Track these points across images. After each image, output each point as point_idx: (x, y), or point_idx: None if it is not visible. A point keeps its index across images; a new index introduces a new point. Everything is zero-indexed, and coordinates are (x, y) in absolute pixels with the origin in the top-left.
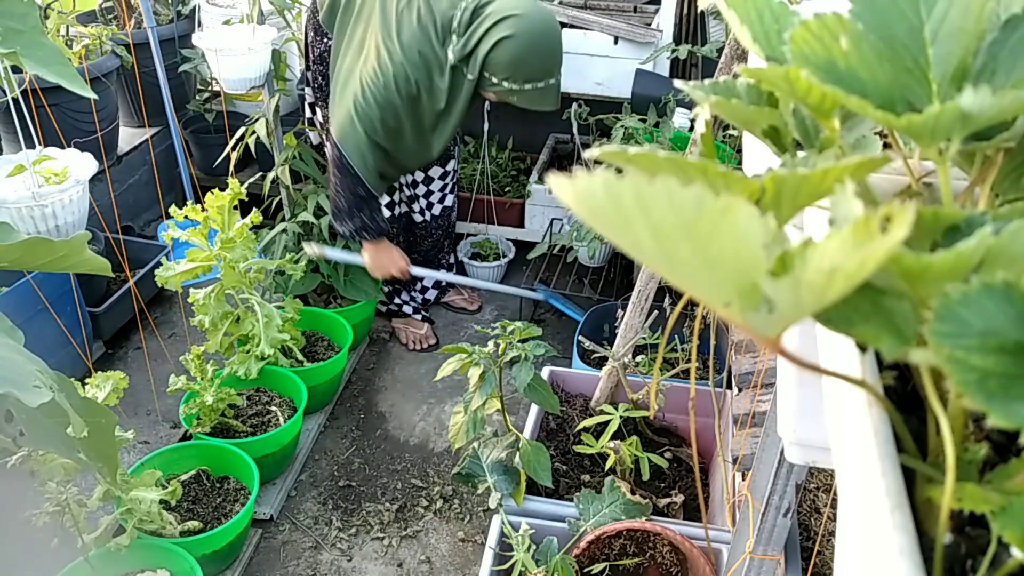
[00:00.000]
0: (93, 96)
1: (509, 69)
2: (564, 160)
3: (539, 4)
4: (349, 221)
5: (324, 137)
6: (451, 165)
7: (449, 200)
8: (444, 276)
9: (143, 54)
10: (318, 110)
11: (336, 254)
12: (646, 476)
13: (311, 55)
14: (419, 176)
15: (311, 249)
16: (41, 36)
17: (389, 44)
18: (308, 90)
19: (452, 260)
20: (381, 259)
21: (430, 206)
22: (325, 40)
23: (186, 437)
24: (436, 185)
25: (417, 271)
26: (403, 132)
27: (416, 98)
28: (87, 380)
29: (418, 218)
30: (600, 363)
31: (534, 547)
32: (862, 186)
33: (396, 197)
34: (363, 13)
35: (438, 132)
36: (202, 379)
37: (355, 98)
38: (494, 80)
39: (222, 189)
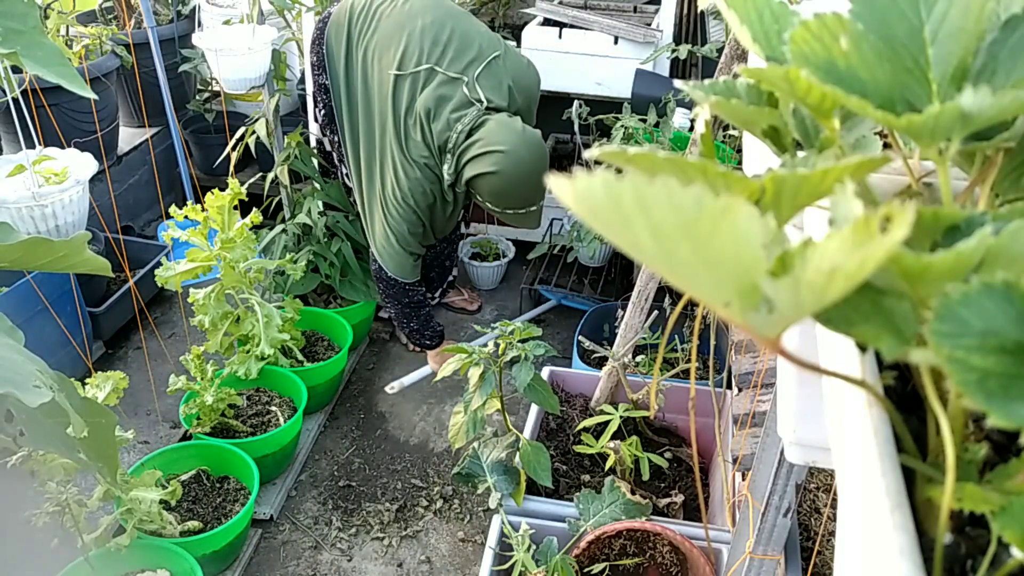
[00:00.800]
0: (93, 96)
1: (491, 198)
2: (564, 160)
3: (527, 136)
4: (406, 329)
5: (338, 159)
6: None
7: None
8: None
9: (143, 54)
10: (326, 130)
11: (412, 378)
12: (646, 476)
13: (315, 80)
14: None
15: (392, 389)
16: (41, 36)
17: (404, 161)
18: (315, 111)
19: (454, 260)
20: (441, 362)
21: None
22: (325, 74)
23: (186, 437)
24: None
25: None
26: (427, 232)
27: (432, 205)
28: (87, 380)
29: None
30: (600, 363)
31: (534, 547)
32: (862, 186)
33: None
34: (376, 108)
35: (450, 221)
36: (202, 379)
37: (385, 218)
38: (478, 197)
39: (222, 189)
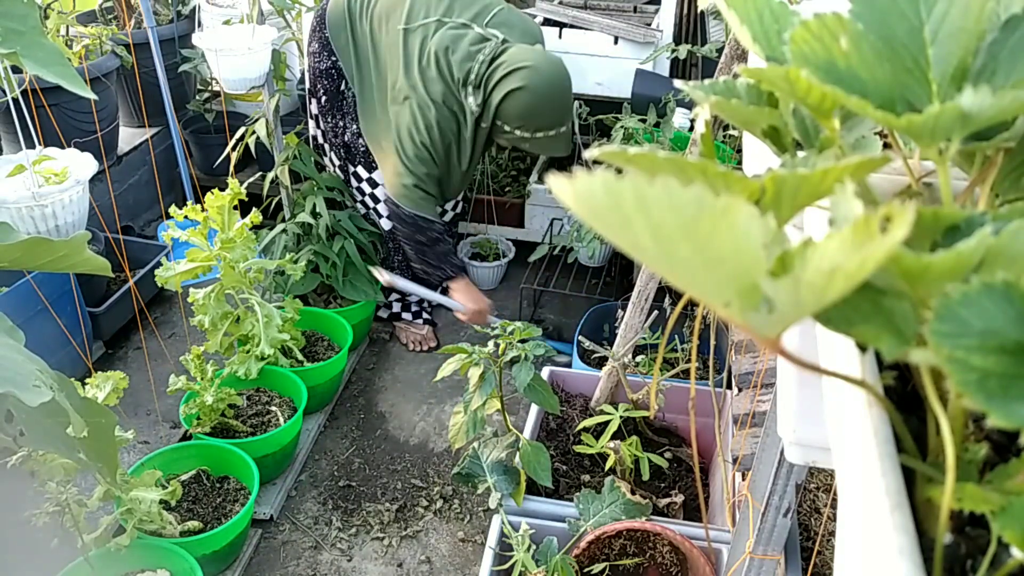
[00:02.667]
0: (93, 97)
1: (521, 119)
2: (564, 160)
3: (549, 55)
4: (422, 266)
5: (330, 148)
6: None
7: (459, 207)
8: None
9: (143, 54)
10: (322, 121)
11: (409, 286)
12: (646, 476)
13: (315, 68)
14: None
15: (382, 276)
16: (41, 37)
17: (420, 104)
18: (313, 102)
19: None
20: (468, 292)
21: (443, 212)
22: (332, 58)
23: (186, 437)
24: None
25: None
26: (442, 177)
27: (449, 147)
28: (87, 380)
29: None
30: (600, 363)
31: (534, 547)
32: (862, 186)
33: None
34: (386, 65)
35: (467, 171)
36: (202, 379)
37: (399, 154)
38: (506, 128)
39: (222, 189)
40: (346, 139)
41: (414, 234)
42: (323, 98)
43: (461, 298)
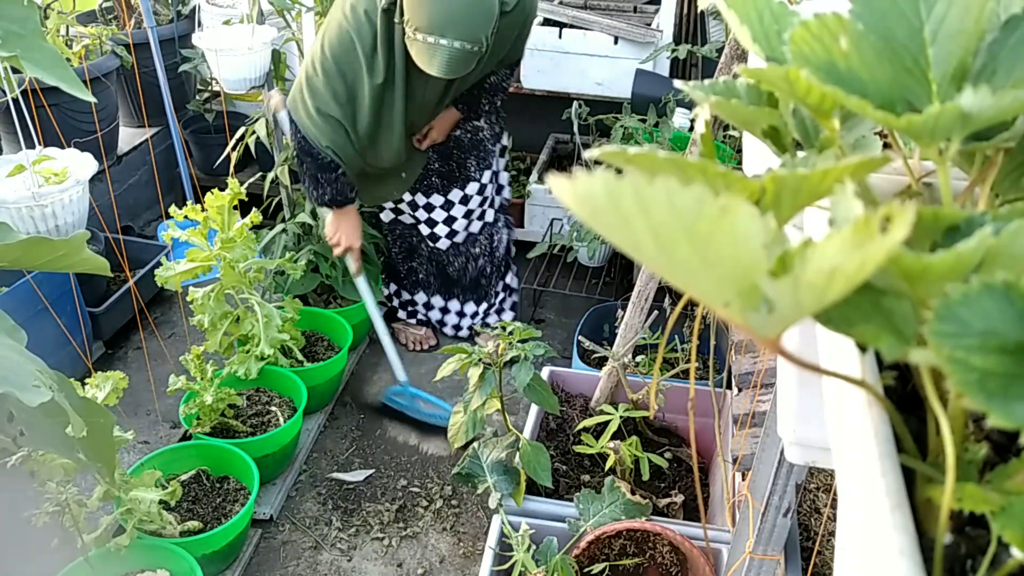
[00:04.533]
0: (93, 100)
1: (409, 9)
2: (564, 160)
3: None
4: (309, 187)
5: None
6: (471, 188)
7: (475, 227)
8: (385, 340)
9: (143, 54)
10: None
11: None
12: (646, 476)
13: None
14: (437, 200)
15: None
16: (41, 39)
17: (331, 18)
18: None
19: (499, 288)
20: (337, 223)
21: (452, 233)
22: None
23: (186, 437)
24: (458, 210)
25: (361, 283)
26: (350, 101)
27: (356, 60)
28: (87, 380)
29: (443, 244)
30: (600, 363)
31: (534, 547)
32: (862, 186)
33: (407, 218)
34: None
35: (395, 108)
36: (202, 379)
37: (306, 68)
38: (404, 24)
39: (222, 189)
40: None
41: (306, 158)
42: None
43: (328, 225)
